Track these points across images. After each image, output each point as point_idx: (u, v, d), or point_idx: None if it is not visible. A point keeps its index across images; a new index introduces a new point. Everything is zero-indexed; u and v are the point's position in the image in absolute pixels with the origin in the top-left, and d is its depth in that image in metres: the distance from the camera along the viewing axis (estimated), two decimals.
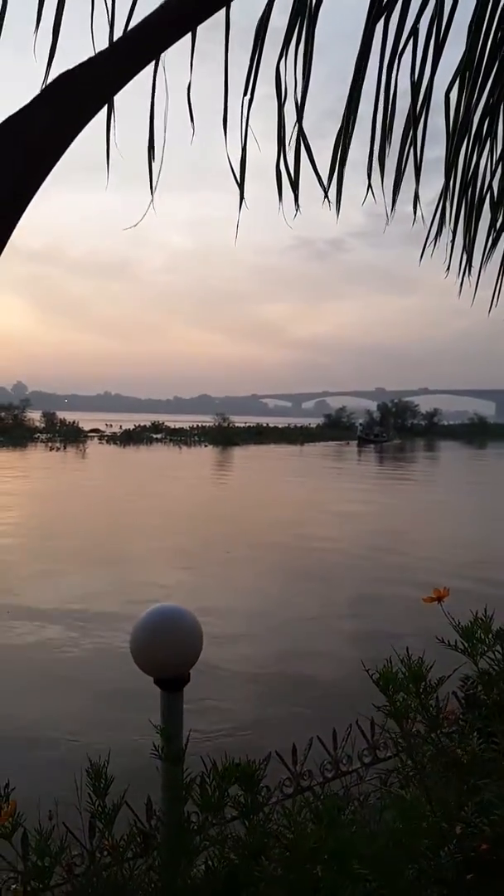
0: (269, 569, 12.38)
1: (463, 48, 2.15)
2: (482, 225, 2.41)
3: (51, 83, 0.98)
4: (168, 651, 2.16)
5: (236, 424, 73.47)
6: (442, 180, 2.29)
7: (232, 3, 1.39)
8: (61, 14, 1.51)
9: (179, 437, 64.56)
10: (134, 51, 1.06)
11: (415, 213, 2.00)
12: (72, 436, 57.13)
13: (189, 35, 1.48)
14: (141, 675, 2.15)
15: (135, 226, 1.36)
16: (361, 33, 1.78)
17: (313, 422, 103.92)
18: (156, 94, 1.38)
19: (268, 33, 1.63)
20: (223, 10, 1.53)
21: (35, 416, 67.02)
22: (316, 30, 1.75)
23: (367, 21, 1.75)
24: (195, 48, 1.51)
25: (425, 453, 56.80)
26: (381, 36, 1.88)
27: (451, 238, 2.19)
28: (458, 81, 2.17)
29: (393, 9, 1.84)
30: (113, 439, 58.82)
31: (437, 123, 2.25)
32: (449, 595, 1.46)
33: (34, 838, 1.54)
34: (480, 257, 2.45)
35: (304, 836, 1.21)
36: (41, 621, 8.53)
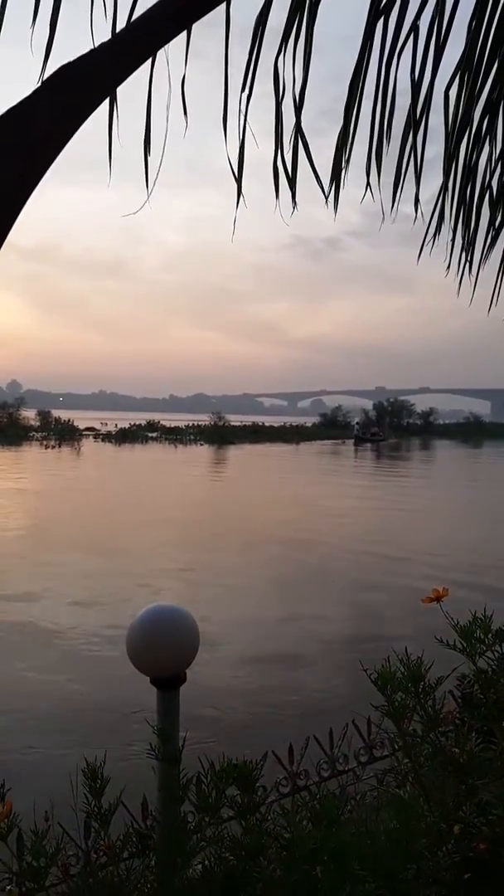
0: (259, 570, 12.39)
1: (462, 46, 2.15)
2: (481, 223, 2.41)
3: (54, 73, 0.97)
4: (165, 650, 2.16)
5: (232, 423, 73.41)
6: (440, 179, 2.29)
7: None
8: (58, 8, 1.50)
9: (175, 435, 64.47)
10: (135, 44, 1.05)
11: (416, 212, 1.99)
12: (67, 434, 56.95)
13: (185, 31, 1.48)
14: None
15: (134, 213, 1.35)
16: (361, 32, 1.77)
17: (309, 420, 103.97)
18: (153, 89, 1.37)
19: (267, 30, 1.63)
20: (222, 6, 1.52)
21: (30, 415, 66.79)
22: (315, 27, 1.74)
23: (368, 18, 1.74)
24: (192, 44, 1.50)
25: (422, 453, 56.88)
26: (380, 34, 1.88)
27: (450, 237, 2.19)
28: (457, 79, 2.17)
29: (393, 7, 1.83)
30: (108, 438, 58.68)
31: (435, 121, 2.25)
32: (448, 595, 1.46)
33: (29, 839, 1.54)
34: (479, 256, 2.45)
35: (302, 837, 1.20)
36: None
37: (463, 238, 2.31)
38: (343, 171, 1.82)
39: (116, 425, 68.04)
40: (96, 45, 1.03)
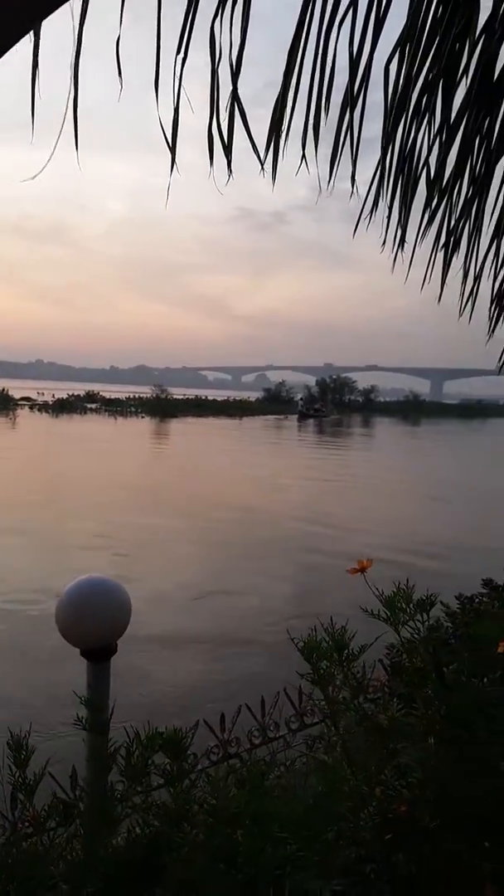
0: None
1: (404, 21, 2.15)
2: (420, 203, 2.43)
3: None
4: (96, 622, 2.15)
5: (175, 396, 72.83)
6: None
7: None
8: None
9: (115, 407, 63.56)
10: None
11: (352, 186, 1.99)
12: (0, 404, 55.41)
13: None
14: None
15: (33, 178, 1.30)
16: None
17: (253, 395, 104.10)
18: (82, 47, 1.32)
19: None
20: None
21: None
22: None
23: None
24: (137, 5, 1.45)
25: (363, 429, 57.76)
26: (321, 3, 1.86)
27: (386, 214, 2.20)
28: (397, 55, 2.16)
29: None
30: (45, 408, 57.41)
31: (377, 98, 2.24)
32: (372, 565, 1.49)
33: None
34: (415, 235, 2.48)
35: (225, 802, 1.23)
36: None
37: (399, 216, 2.32)
38: (282, 141, 1.80)
39: (54, 395, 66.62)
40: None
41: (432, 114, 2.30)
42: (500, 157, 2.36)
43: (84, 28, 1.37)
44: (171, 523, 13.59)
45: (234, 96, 1.61)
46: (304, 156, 1.86)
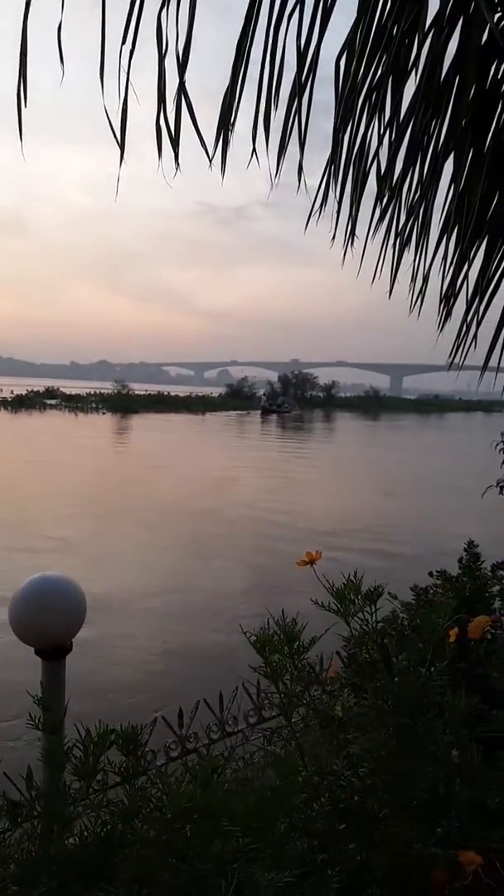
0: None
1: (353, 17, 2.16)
2: (371, 199, 2.45)
3: None
4: (49, 621, 2.13)
5: (136, 392, 72.20)
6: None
7: None
8: None
9: (76, 403, 62.76)
10: None
11: (299, 180, 1.99)
12: None
13: None
14: None
15: None
16: None
17: (215, 391, 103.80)
18: (28, 33, 1.29)
19: None
20: None
21: None
22: None
23: None
24: None
25: (324, 424, 58.13)
26: None
27: (336, 209, 2.21)
28: (346, 51, 2.17)
29: None
30: (3, 404, 56.40)
31: (328, 96, 2.25)
32: (321, 557, 1.50)
33: None
34: (367, 230, 2.49)
35: (176, 797, 1.23)
36: None
37: (350, 211, 2.33)
38: (231, 135, 1.79)
39: (13, 392, 65.48)
40: None
41: (381, 110, 2.32)
42: (448, 157, 2.39)
43: (39, 21, 1.35)
44: (121, 525, 13.47)
45: (181, 88, 1.60)
46: (254, 149, 1.86)
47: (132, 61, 1.54)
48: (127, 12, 1.47)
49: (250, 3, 1.76)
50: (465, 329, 2.78)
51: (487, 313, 2.78)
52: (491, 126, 2.49)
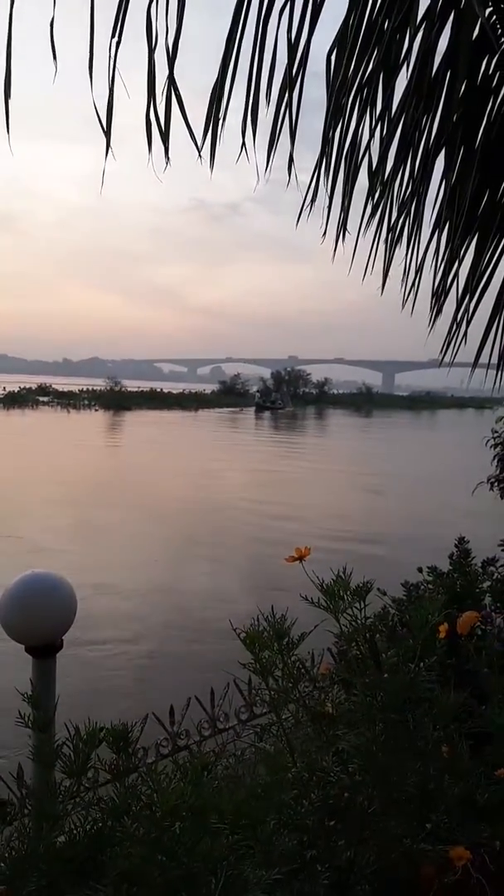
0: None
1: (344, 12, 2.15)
2: (363, 194, 2.44)
3: None
4: (39, 618, 2.11)
5: (129, 389, 72.04)
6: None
7: None
8: None
9: (68, 400, 62.58)
10: None
11: (289, 174, 1.99)
12: None
13: None
14: None
15: None
16: None
17: (208, 388, 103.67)
18: (12, 25, 1.28)
19: None
20: None
21: None
22: None
23: None
24: None
25: (318, 421, 58.14)
26: None
27: (327, 204, 2.20)
28: (338, 46, 2.17)
29: None
30: None
31: (320, 92, 2.24)
32: (310, 554, 1.50)
33: None
34: (358, 226, 2.49)
35: (165, 795, 1.22)
36: None
37: (341, 206, 2.32)
38: (220, 129, 1.78)
39: (4, 388, 65.22)
40: None
41: (373, 105, 2.31)
42: (439, 153, 2.38)
43: (21, 13, 1.34)
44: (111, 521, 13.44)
45: (171, 81, 1.59)
46: (243, 143, 1.85)
47: (124, 57, 1.53)
48: (116, 7, 1.46)
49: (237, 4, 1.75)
50: (455, 326, 2.78)
51: (478, 310, 2.78)
52: (482, 121, 2.49)
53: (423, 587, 3.12)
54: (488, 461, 5.92)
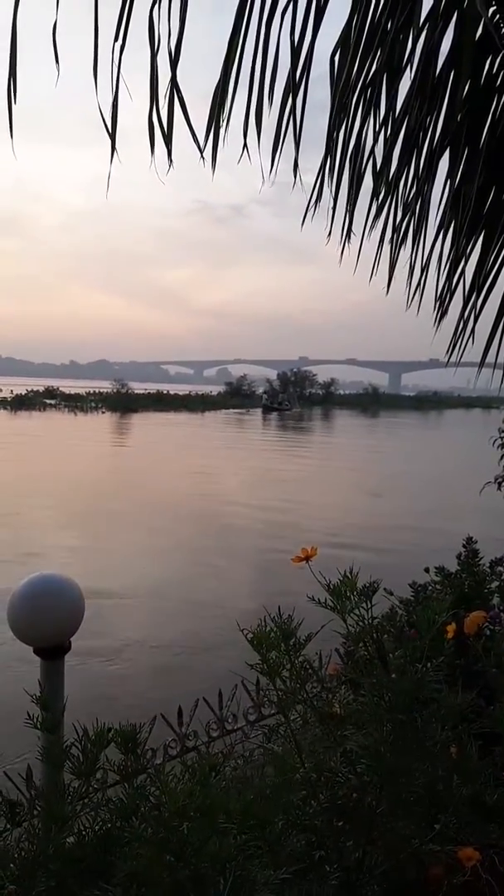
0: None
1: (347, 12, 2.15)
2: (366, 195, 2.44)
3: None
4: (47, 620, 2.12)
5: (135, 391, 72.18)
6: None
7: None
8: None
9: (75, 402, 62.72)
10: None
11: (294, 176, 1.99)
12: None
13: None
14: None
15: None
16: None
17: (215, 389, 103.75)
18: (17, 31, 1.29)
19: None
20: None
21: None
22: None
23: None
24: None
25: (327, 422, 58.04)
26: None
27: (331, 205, 2.20)
28: (341, 47, 2.17)
29: None
30: (3, 404, 56.39)
31: (326, 92, 2.24)
32: (317, 554, 1.50)
33: None
34: (363, 227, 2.49)
35: (172, 795, 1.22)
36: None
37: (346, 208, 2.33)
38: (223, 130, 1.79)
39: (12, 391, 65.45)
40: None
41: (377, 106, 2.32)
42: (443, 153, 2.38)
43: (24, 18, 1.35)
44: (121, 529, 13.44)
45: (173, 84, 1.60)
46: (245, 145, 1.86)
47: (128, 62, 1.54)
48: (119, 11, 1.47)
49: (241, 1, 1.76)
50: (462, 325, 2.77)
51: (484, 309, 2.78)
52: (486, 121, 2.49)
53: (430, 587, 3.12)
54: (496, 461, 5.89)
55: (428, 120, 2.37)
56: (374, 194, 2.42)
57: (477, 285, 2.74)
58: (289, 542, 11.67)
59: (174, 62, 1.58)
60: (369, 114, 2.30)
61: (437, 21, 2.25)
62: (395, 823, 1.36)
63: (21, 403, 57.30)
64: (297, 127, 1.99)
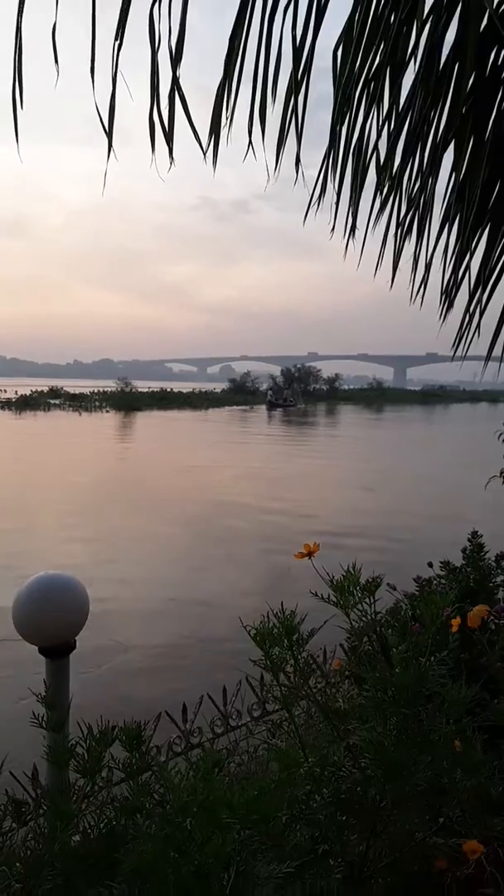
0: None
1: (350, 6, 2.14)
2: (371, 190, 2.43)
3: None
4: (52, 619, 2.12)
5: (139, 389, 72.26)
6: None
7: None
8: None
9: (79, 402, 62.83)
10: None
11: (296, 171, 1.98)
12: None
13: None
14: None
15: None
16: None
17: (218, 386, 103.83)
18: (22, 34, 1.29)
19: None
20: None
21: None
22: None
23: None
24: None
25: (332, 418, 57.89)
26: None
27: (335, 200, 2.19)
28: (343, 40, 2.16)
29: None
30: (7, 405, 56.51)
31: (329, 87, 2.23)
32: (319, 550, 1.50)
33: None
34: (367, 222, 2.48)
35: (175, 791, 1.23)
36: None
37: (349, 202, 2.32)
38: (225, 128, 1.78)
39: (17, 392, 65.59)
40: None
41: (380, 100, 2.30)
42: (448, 146, 2.37)
43: (31, 20, 1.34)
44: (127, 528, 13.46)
45: (175, 83, 1.59)
46: (250, 142, 1.85)
47: (127, 57, 1.53)
48: (119, 10, 1.46)
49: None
50: (467, 319, 2.76)
51: (490, 303, 2.76)
52: (491, 113, 2.47)
53: (435, 582, 3.11)
54: (501, 455, 5.86)
55: (432, 113, 2.35)
56: (378, 188, 2.41)
57: (482, 279, 2.72)
58: (294, 537, 11.70)
59: (175, 61, 1.58)
60: (372, 107, 2.29)
61: (441, 13, 2.23)
62: (399, 817, 1.36)
63: (25, 404, 57.42)
64: (300, 127, 1.98)
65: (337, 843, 1.33)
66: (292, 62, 1.91)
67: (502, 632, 2.12)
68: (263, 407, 69.42)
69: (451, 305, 2.77)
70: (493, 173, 2.52)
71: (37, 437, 31.56)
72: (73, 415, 50.82)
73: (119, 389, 68.19)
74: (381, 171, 2.45)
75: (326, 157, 2.22)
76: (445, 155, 2.49)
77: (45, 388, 71.37)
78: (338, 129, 2.29)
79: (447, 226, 2.63)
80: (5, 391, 69.10)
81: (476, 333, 2.79)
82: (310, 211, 2.33)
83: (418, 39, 2.21)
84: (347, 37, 2.20)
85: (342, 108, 2.25)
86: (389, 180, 2.46)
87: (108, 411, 55.31)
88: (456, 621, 1.68)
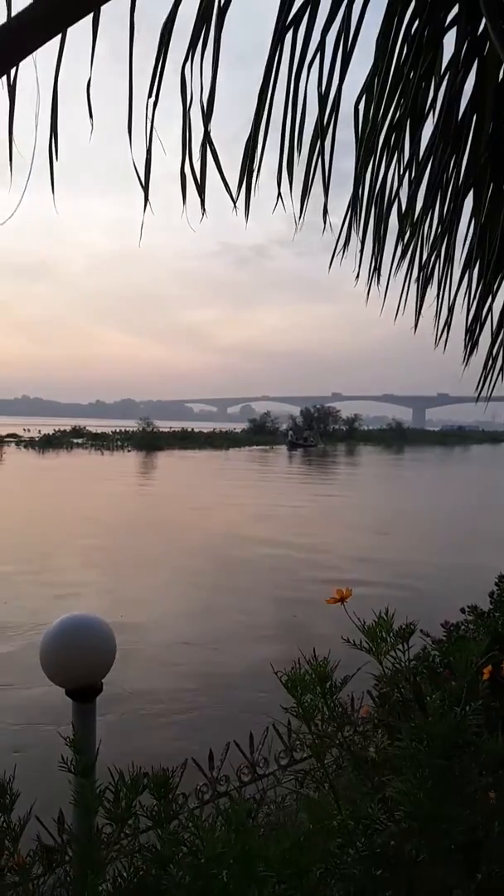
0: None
1: (371, 62, 2.22)
2: (391, 236, 2.48)
3: None
4: (79, 661, 2.12)
5: (160, 429, 72.84)
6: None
7: (136, 5, 1.38)
8: None
9: (102, 441, 63.36)
10: (35, 24, 1.02)
11: (324, 220, 2.04)
12: None
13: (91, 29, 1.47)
14: None
15: (5, 220, 1.32)
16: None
17: (238, 426, 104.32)
18: (58, 84, 1.35)
19: (176, 37, 1.63)
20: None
21: None
22: (227, 39, 1.76)
23: (275, 33, 1.77)
24: (116, 47, 1.49)
25: (353, 458, 57.67)
26: (290, 46, 1.92)
27: (359, 248, 2.25)
28: (365, 95, 2.23)
29: (301, 21, 1.87)
30: (31, 444, 57.14)
31: (349, 136, 2.31)
32: (352, 595, 1.49)
33: None
34: (389, 267, 2.53)
35: (210, 842, 1.21)
36: None
37: (372, 249, 2.37)
38: (254, 180, 1.84)
39: (40, 431, 66.39)
40: None
41: (401, 150, 2.37)
42: (468, 193, 2.42)
43: (63, 73, 1.41)
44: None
45: (206, 138, 1.66)
46: (279, 193, 1.91)
47: (158, 112, 1.60)
48: (153, 66, 1.53)
49: (271, 52, 1.82)
50: (491, 360, 2.78)
51: None
52: None
53: (463, 627, 3.07)
54: None
55: (452, 161, 2.41)
56: (400, 235, 2.46)
57: None
58: (319, 577, 11.60)
59: (207, 116, 1.64)
60: (394, 157, 2.36)
61: (458, 68, 2.30)
62: (435, 872, 1.32)
63: (48, 443, 58.03)
64: (326, 173, 2.04)
65: None
66: (317, 111, 1.98)
67: None
68: (283, 447, 69.45)
69: (475, 347, 2.80)
70: None
71: (55, 474, 31.79)
72: (96, 454, 51.19)
73: (140, 429, 68.82)
74: (402, 217, 2.50)
75: (350, 205, 2.28)
76: (466, 201, 2.54)
77: (68, 428, 72.18)
78: (361, 177, 2.35)
79: (469, 269, 2.67)
80: (28, 430, 69.97)
81: (501, 374, 2.81)
82: (333, 258, 2.39)
83: (436, 93, 2.28)
84: (369, 91, 2.27)
85: (365, 157, 2.32)
86: (411, 226, 2.52)
87: (129, 451, 55.67)
88: (487, 669, 1.65)
